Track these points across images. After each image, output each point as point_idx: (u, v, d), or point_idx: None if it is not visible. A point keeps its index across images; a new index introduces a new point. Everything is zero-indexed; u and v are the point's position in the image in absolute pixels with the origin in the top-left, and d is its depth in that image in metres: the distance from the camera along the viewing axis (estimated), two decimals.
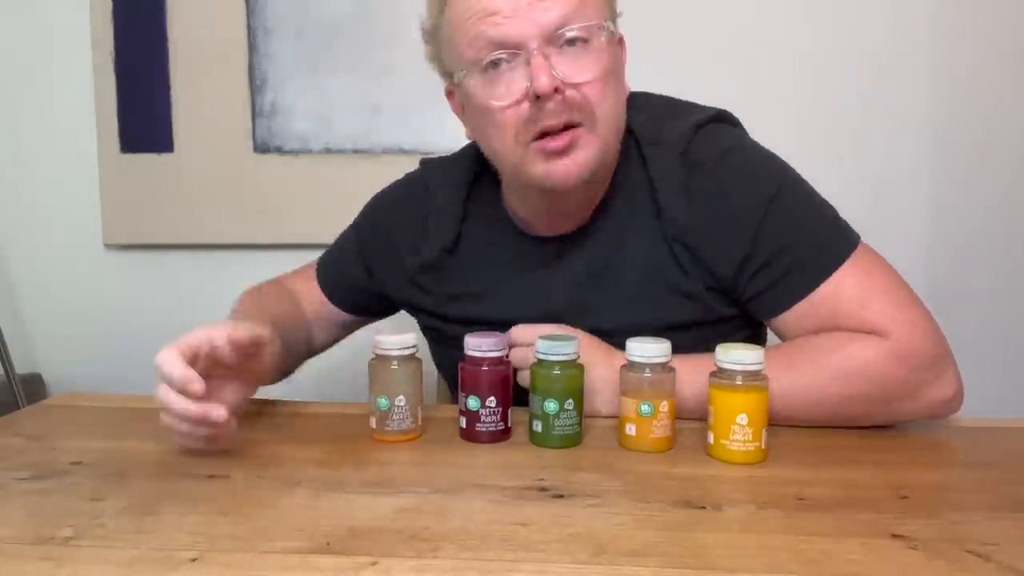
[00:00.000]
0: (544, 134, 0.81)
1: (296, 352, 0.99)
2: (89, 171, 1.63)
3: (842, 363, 0.79)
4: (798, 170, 0.89)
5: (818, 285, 0.82)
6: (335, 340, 1.10)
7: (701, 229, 0.86)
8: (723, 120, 0.94)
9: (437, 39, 0.88)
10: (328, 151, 1.57)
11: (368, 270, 1.03)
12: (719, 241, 0.86)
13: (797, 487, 0.66)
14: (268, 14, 1.56)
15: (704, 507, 0.62)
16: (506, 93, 0.81)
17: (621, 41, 0.90)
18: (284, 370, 0.97)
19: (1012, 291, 1.50)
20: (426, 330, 1.02)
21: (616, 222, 0.91)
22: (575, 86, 0.81)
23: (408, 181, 1.05)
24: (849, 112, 1.49)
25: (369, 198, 1.07)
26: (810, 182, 0.89)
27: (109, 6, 1.58)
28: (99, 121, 1.61)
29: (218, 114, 1.58)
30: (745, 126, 0.96)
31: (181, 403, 0.69)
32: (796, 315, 0.84)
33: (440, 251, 0.96)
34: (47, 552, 0.55)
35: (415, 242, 0.98)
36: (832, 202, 0.88)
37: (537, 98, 0.79)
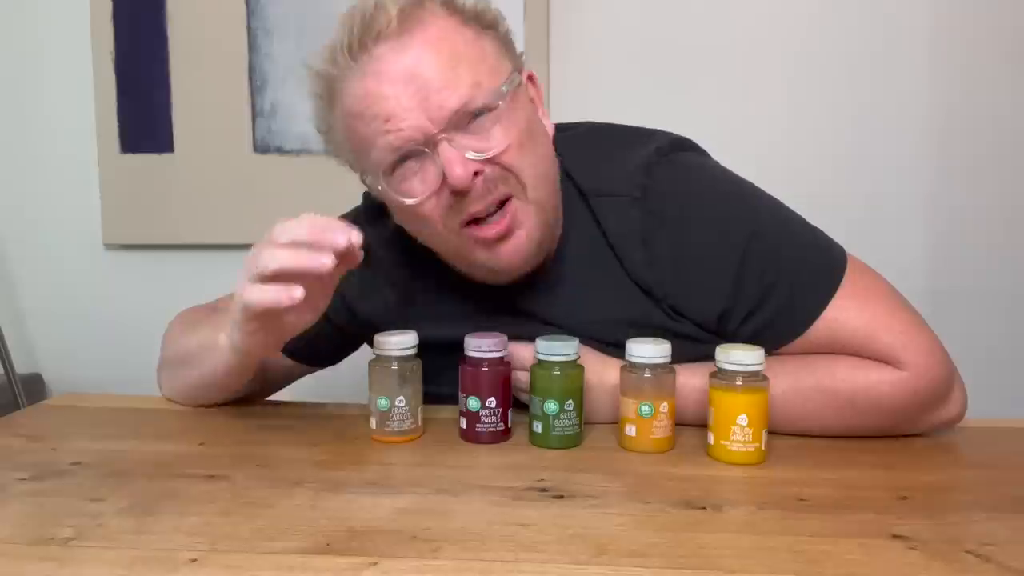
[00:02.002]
0: (474, 219, 0.77)
1: (250, 387, 0.90)
2: (89, 171, 1.63)
3: (855, 395, 0.77)
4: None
5: (814, 320, 0.78)
6: (269, 389, 0.97)
7: (670, 285, 0.81)
8: (676, 148, 0.86)
9: (332, 139, 0.83)
10: (328, 151, 1.57)
11: None
12: (693, 297, 0.81)
13: (797, 487, 0.66)
14: (268, 14, 1.56)
15: (704, 507, 0.62)
16: (420, 188, 0.76)
17: (531, 78, 0.84)
18: (235, 391, 0.89)
19: (1012, 291, 1.50)
20: None
21: (574, 269, 0.85)
22: (492, 161, 0.75)
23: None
24: (847, 112, 1.49)
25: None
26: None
27: (109, 6, 1.57)
28: (99, 121, 1.61)
29: (218, 114, 1.58)
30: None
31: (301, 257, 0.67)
32: (794, 348, 0.80)
33: (394, 308, 0.89)
34: (47, 552, 0.55)
35: (360, 288, 0.89)
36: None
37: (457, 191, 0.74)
